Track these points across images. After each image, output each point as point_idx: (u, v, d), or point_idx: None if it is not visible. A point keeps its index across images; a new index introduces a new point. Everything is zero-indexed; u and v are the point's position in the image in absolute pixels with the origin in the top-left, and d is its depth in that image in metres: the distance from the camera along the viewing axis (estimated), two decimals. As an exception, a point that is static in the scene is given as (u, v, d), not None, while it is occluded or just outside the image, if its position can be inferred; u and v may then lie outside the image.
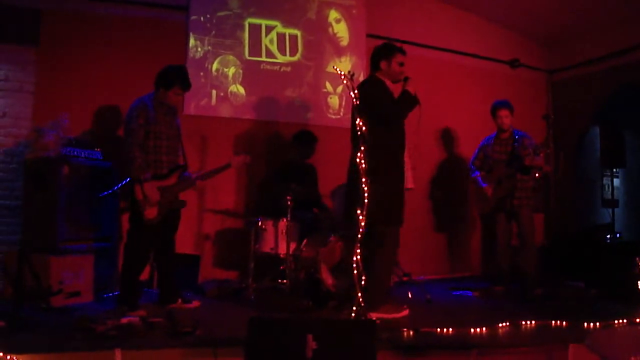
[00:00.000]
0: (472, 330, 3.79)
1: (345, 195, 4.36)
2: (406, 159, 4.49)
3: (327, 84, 6.63)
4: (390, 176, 4.18)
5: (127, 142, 4.26)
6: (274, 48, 6.37)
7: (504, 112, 5.62)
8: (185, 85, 4.47)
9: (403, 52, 4.41)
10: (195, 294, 5.04)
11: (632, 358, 2.30)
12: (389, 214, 4.15)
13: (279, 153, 6.13)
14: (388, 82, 4.38)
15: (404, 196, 4.31)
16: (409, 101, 4.25)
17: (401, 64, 4.36)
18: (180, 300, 4.56)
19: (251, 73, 6.25)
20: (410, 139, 4.46)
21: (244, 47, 6.25)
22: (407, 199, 5.70)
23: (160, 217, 4.33)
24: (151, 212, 4.26)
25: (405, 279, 5.48)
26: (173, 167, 4.46)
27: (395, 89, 4.40)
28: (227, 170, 4.78)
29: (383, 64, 4.35)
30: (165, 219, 4.40)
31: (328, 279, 4.84)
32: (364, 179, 3.97)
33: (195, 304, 4.63)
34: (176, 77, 4.41)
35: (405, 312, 4.27)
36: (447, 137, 7.25)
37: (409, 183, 4.49)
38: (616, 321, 4.07)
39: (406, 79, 4.34)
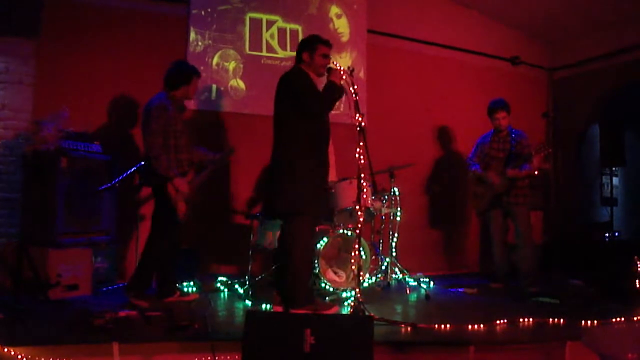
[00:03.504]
0: (470, 327, 3.79)
1: (267, 186, 4.28)
2: (330, 152, 4.41)
3: (328, 80, 6.61)
4: (308, 168, 4.08)
5: (150, 142, 4.24)
6: (274, 43, 6.36)
7: (500, 114, 5.61)
8: (198, 72, 4.67)
9: (328, 45, 4.31)
10: (194, 287, 5.05)
11: (629, 355, 2.31)
12: (302, 206, 4.04)
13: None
14: (313, 76, 4.28)
15: (323, 189, 4.22)
16: (335, 91, 4.16)
17: (325, 56, 4.26)
18: (178, 294, 4.59)
19: (251, 68, 6.24)
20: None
21: (244, 41, 6.24)
22: (406, 196, 5.76)
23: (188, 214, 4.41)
24: (182, 209, 4.33)
25: (403, 275, 5.50)
26: (189, 164, 4.52)
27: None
28: (228, 165, 4.80)
29: (305, 55, 4.27)
30: None
31: (327, 273, 4.85)
32: (362, 175, 3.99)
33: (193, 296, 4.67)
34: (190, 69, 4.58)
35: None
36: (446, 134, 7.25)
37: (332, 176, 4.44)
38: (614, 319, 4.08)
39: (330, 69, 4.23)
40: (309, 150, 4.12)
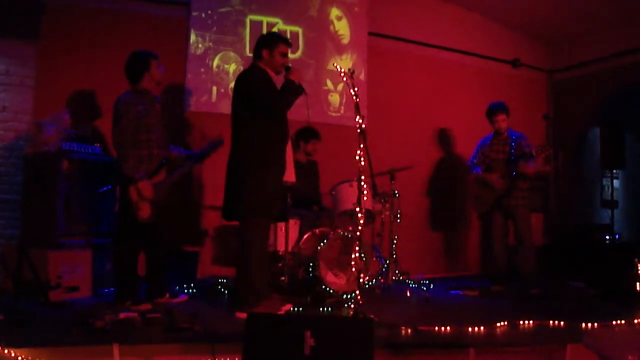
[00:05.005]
0: (470, 329, 3.78)
1: (226, 188, 4.21)
2: (288, 151, 4.38)
3: (328, 82, 6.62)
4: (267, 168, 4.06)
5: (117, 139, 4.16)
6: (275, 45, 6.36)
7: (500, 117, 5.62)
8: (155, 55, 4.49)
9: (288, 44, 4.30)
10: (192, 289, 5.04)
11: (630, 357, 2.30)
12: (258, 207, 4.02)
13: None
14: (271, 73, 4.24)
15: (280, 189, 4.22)
16: (293, 90, 4.15)
17: (284, 55, 4.23)
18: (167, 295, 4.52)
19: (252, 70, 6.23)
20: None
21: (244, 43, 6.25)
22: (405, 198, 5.75)
23: (154, 215, 4.24)
24: (145, 212, 4.17)
25: (403, 277, 5.50)
26: (162, 162, 4.37)
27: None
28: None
29: (265, 53, 4.21)
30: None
31: (327, 275, 4.85)
32: (363, 177, 3.99)
33: (182, 298, 4.60)
34: (145, 54, 4.43)
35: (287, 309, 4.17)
36: (446, 136, 7.26)
37: (290, 177, 4.42)
38: (614, 321, 4.08)
39: (288, 68, 4.20)
40: (267, 150, 4.10)
